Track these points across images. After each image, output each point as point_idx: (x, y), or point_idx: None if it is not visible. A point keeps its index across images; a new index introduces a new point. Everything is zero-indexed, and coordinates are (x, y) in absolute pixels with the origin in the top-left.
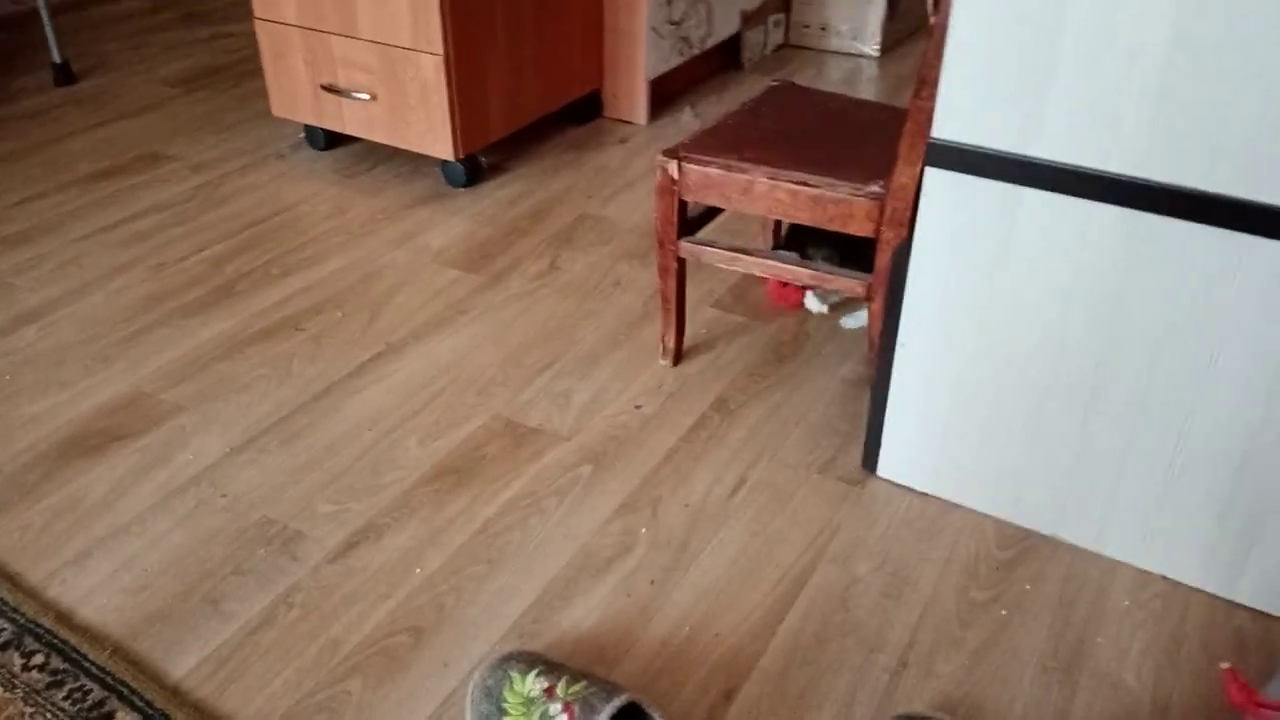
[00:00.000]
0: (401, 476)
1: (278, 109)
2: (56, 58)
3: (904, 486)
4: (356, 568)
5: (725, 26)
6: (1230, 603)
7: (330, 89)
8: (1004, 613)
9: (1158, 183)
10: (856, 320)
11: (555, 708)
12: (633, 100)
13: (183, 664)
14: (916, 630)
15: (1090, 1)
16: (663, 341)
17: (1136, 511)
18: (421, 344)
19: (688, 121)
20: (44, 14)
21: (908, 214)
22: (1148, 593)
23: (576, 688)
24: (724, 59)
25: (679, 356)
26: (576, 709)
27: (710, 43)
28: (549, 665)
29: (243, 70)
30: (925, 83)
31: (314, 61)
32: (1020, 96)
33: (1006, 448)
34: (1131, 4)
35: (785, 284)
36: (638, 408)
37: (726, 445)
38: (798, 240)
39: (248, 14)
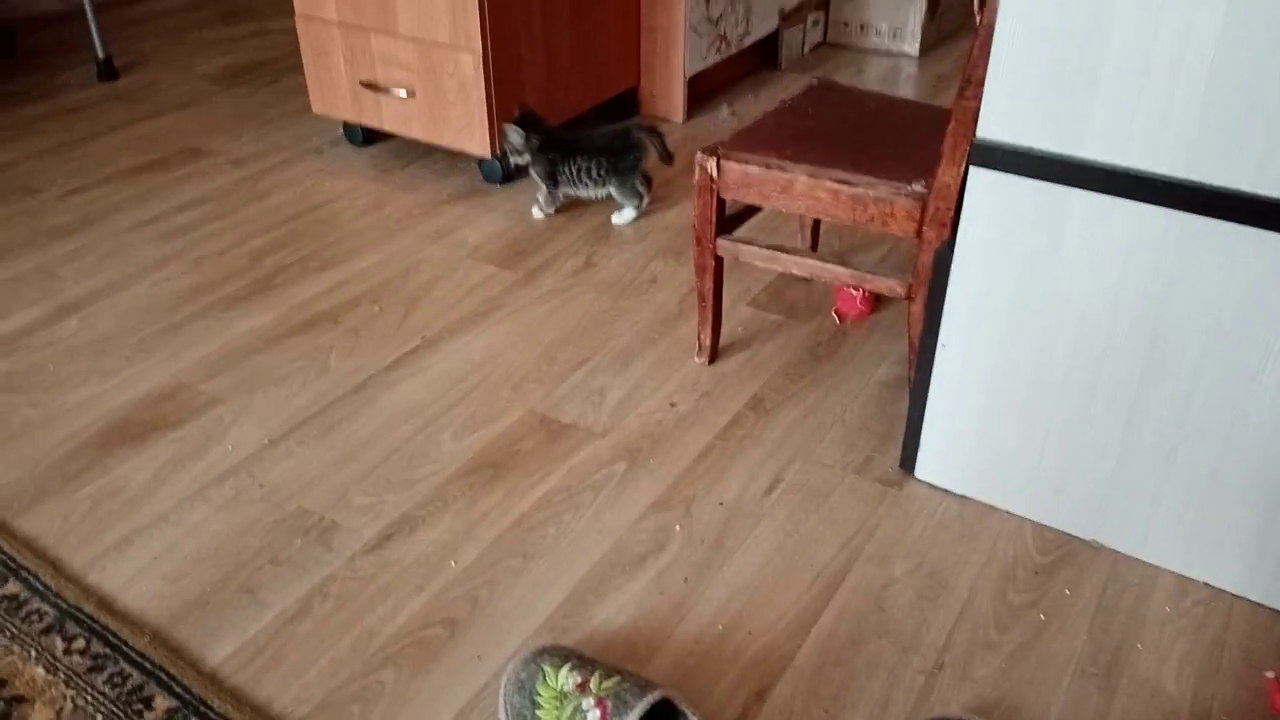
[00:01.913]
0: (436, 470)
1: (317, 105)
2: (100, 54)
3: (942, 488)
4: (391, 560)
5: (763, 25)
6: (1274, 611)
7: (369, 85)
8: (1042, 617)
9: (1207, 185)
10: (622, 218)
11: (588, 702)
12: (670, 98)
13: (219, 651)
14: (953, 633)
15: (1137, 3)
16: (698, 339)
17: (1179, 517)
18: (457, 339)
19: (725, 119)
20: (89, 10)
21: (950, 214)
22: (1189, 599)
23: (609, 683)
24: (762, 57)
25: (715, 355)
26: (609, 704)
27: (748, 41)
28: (582, 660)
29: (282, 67)
30: (970, 82)
31: (353, 58)
32: (1067, 96)
33: (1047, 451)
34: (1180, 4)
35: (851, 294)
36: (672, 405)
37: (762, 444)
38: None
39: (287, 11)
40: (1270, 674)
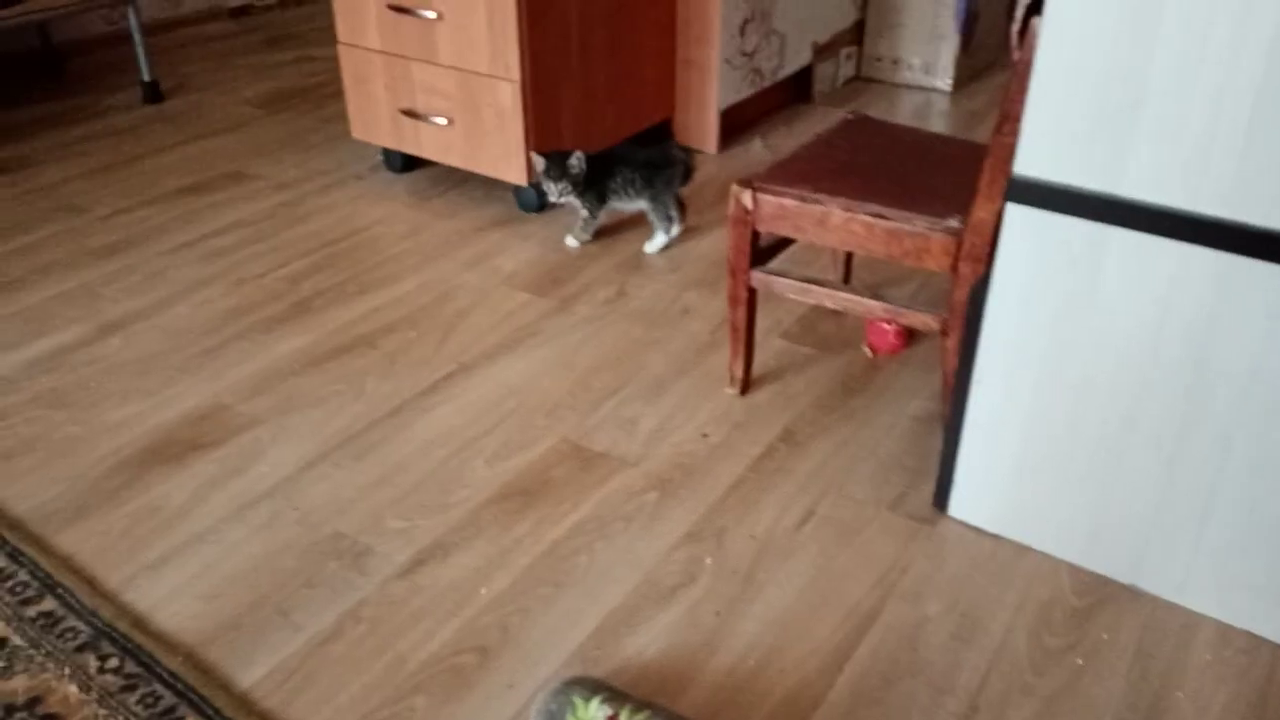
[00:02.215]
0: (470, 495)
1: (357, 131)
2: (146, 76)
3: (976, 527)
4: (424, 585)
5: (797, 58)
6: None
7: (409, 113)
8: (1079, 661)
9: (1248, 225)
10: (654, 245)
11: None
12: (704, 129)
13: (251, 673)
14: (987, 675)
15: (1179, 40)
16: (730, 370)
17: (1220, 563)
18: (492, 365)
19: (757, 151)
20: (136, 35)
21: (986, 250)
22: (1231, 648)
23: (640, 717)
24: (795, 90)
25: (747, 386)
26: None
27: (782, 74)
28: (612, 693)
29: (324, 93)
30: (1008, 118)
31: (394, 86)
32: (1106, 134)
33: (1084, 491)
34: (1221, 42)
35: (884, 328)
36: (705, 436)
37: (794, 477)
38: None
39: (330, 39)
40: None
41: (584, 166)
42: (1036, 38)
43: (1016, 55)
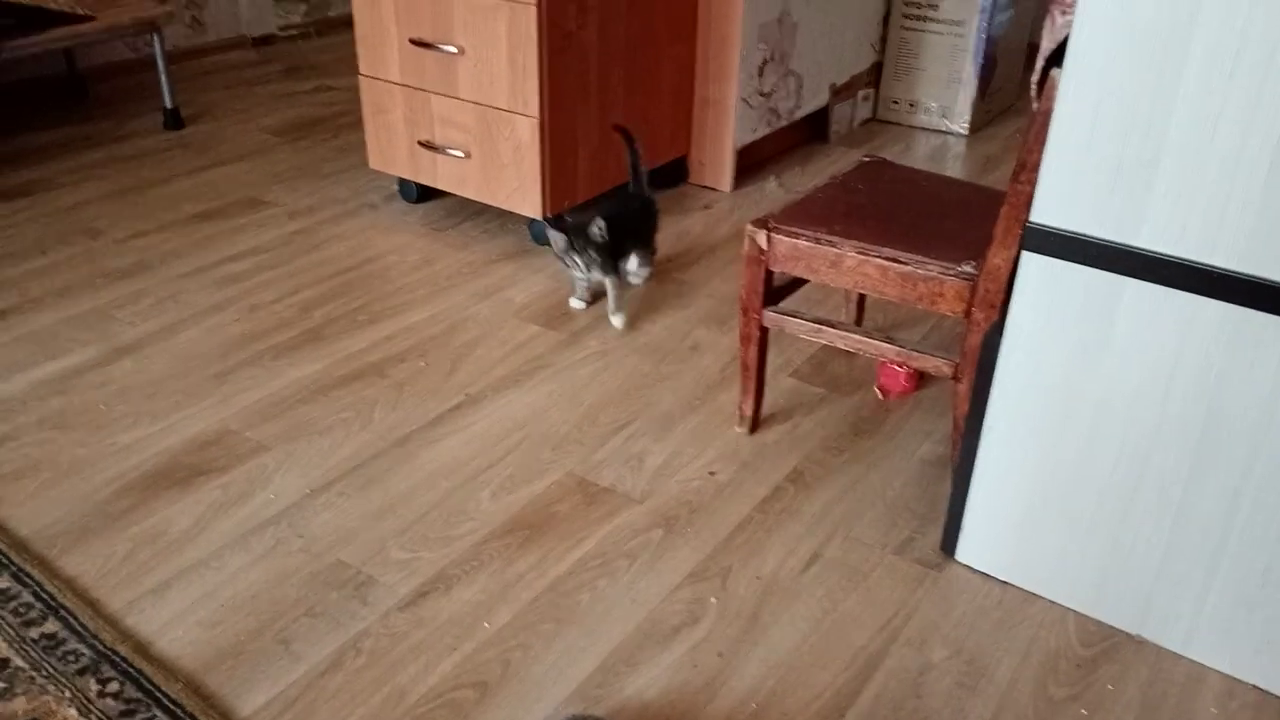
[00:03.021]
0: (474, 528)
1: (374, 161)
2: (168, 103)
3: (983, 573)
4: (426, 617)
5: (814, 99)
6: None
7: (427, 145)
8: (1084, 712)
9: (1263, 279)
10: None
11: None
12: (719, 168)
13: (251, 702)
14: None
15: (1198, 96)
16: (740, 408)
17: (1227, 616)
18: (500, 397)
19: (772, 191)
20: (160, 61)
21: (1000, 296)
22: (1236, 702)
23: None
24: (811, 131)
25: (756, 425)
26: None
27: (798, 114)
28: None
29: (342, 123)
30: (1025, 167)
31: (413, 118)
32: (1124, 185)
33: (1092, 540)
34: (1240, 99)
35: (895, 370)
36: (712, 474)
37: (801, 519)
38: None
39: (349, 69)
40: None
41: (606, 232)
42: (1056, 89)
43: (1036, 105)
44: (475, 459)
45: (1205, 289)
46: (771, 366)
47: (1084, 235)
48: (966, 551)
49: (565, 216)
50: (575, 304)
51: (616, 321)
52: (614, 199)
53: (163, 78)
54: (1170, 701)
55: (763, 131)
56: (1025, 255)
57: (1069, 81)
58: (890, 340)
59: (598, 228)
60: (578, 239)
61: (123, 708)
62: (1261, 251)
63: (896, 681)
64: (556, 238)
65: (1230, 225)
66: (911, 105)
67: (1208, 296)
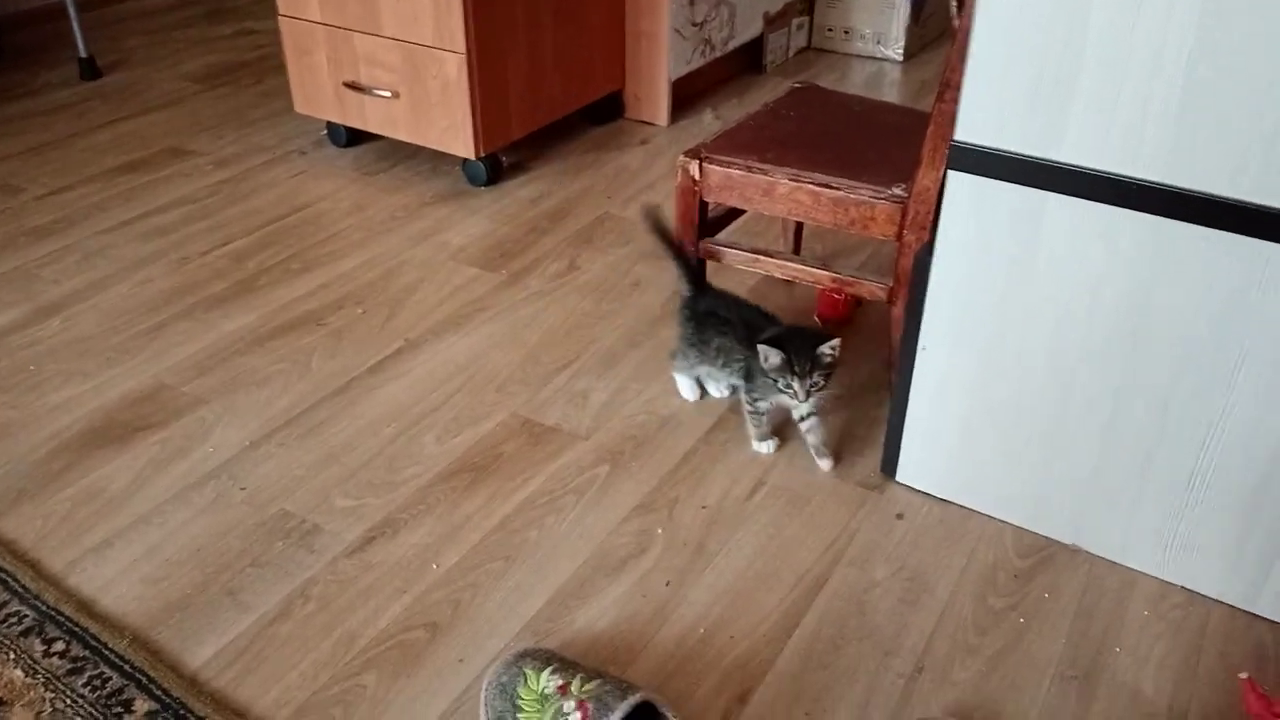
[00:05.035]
0: (419, 472)
1: (300, 105)
2: (82, 52)
3: (923, 492)
4: (373, 562)
5: (748, 29)
6: (1250, 615)
7: (353, 86)
8: (1022, 620)
9: (1182, 189)
10: (766, 446)
11: (569, 705)
12: (654, 101)
13: (200, 654)
14: (933, 636)
15: (1113, 5)
16: None
17: (1157, 522)
18: (440, 341)
19: (709, 123)
20: (71, 9)
21: (930, 218)
22: (1167, 603)
23: (591, 686)
24: (746, 61)
25: None
26: (590, 707)
27: (733, 45)
28: (563, 663)
29: (266, 67)
30: (948, 86)
31: (337, 59)
32: (1043, 100)
33: (1027, 456)
34: (1156, 9)
35: (834, 297)
36: (655, 409)
37: (744, 448)
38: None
39: (271, 11)
40: (1244, 675)
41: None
42: (974, 6)
43: (956, 23)
44: (418, 404)
45: (1127, 201)
46: None
47: (1007, 152)
48: (906, 472)
49: (745, 314)
50: (766, 448)
51: (766, 447)
52: (729, 301)
53: (75, 26)
54: (1104, 606)
55: (697, 63)
56: (952, 175)
57: None
58: (826, 267)
59: (831, 348)
60: (800, 358)
61: (69, 666)
62: (1179, 162)
63: (841, 601)
64: (770, 354)
65: (1149, 137)
66: (846, 33)
67: (1130, 208)
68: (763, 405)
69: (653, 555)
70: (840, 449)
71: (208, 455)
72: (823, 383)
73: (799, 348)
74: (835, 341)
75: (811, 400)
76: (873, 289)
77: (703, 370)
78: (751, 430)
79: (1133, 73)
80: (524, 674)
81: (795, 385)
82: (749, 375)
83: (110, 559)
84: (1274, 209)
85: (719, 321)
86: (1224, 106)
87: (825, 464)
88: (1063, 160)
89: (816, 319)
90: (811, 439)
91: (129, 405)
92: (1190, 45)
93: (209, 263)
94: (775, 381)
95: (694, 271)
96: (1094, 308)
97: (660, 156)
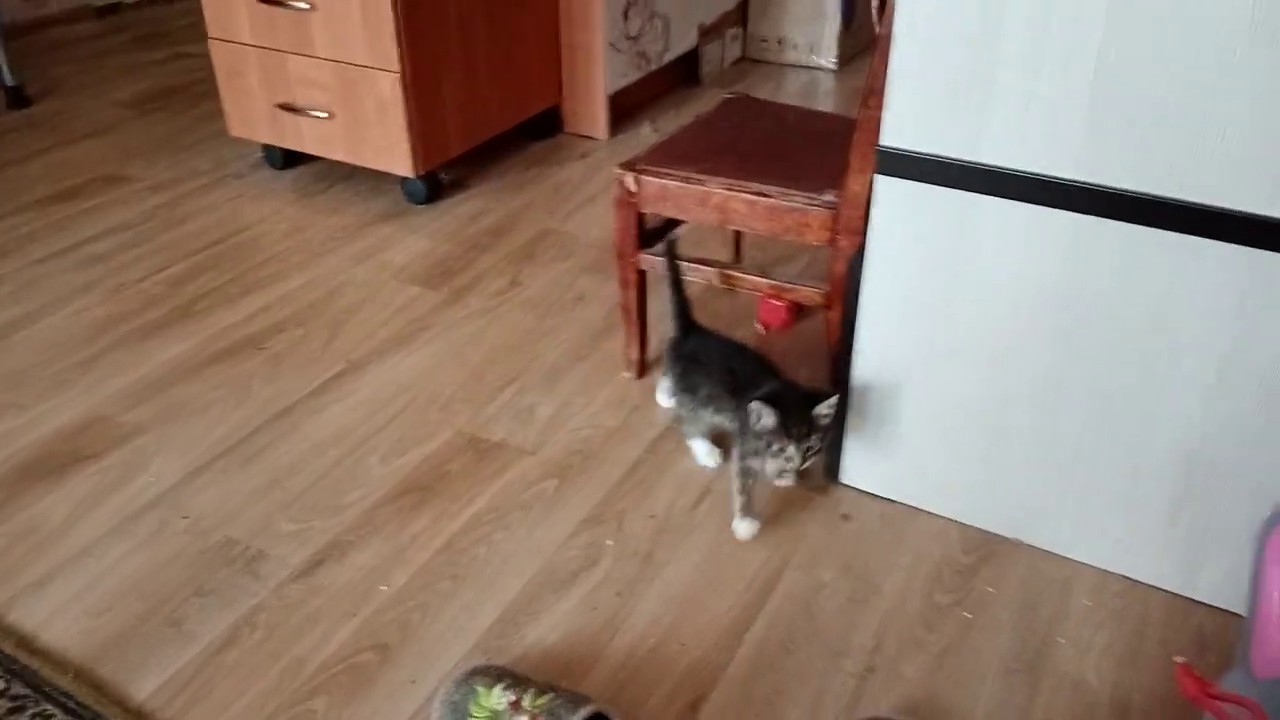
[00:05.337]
0: (365, 494)
1: (235, 128)
2: (9, 80)
3: (868, 493)
4: (321, 586)
5: (682, 41)
6: (1189, 600)
7: (287, 108)
8: (968, 615)
9: (1099, 186)
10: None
11: None
12: (592, 115)
13: (146, 686)
14: (881, 634)
15: (1026, 9)
16: (626, 355)
17: (1097, 514)
18: (383, 362)
19: (647, 136)
20: None
21: (861, 222)
22: (1108, 593)
23: (543, 700)
24: (683, 73)
25: (643, 369)
26: None
27: (668, 57)
28: (515, 679)
29: (199, 91)
30: (873, 92)
31: (269, 81)
32: (963, 103)
33: (968, 453)
34: (1065, 12)
35: (775, 305)
36: (601, 422)
37: (690, 457)
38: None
39: (203, 35)
40: (1180, 659)
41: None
42: (893, 12)
43: (879, 29)
44: (361, 425)
45: (1048, 199)
46: (656, 311)
47: (932, 155)
48: (850, 473)
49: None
50: (745, 530)
51: (746, 528)
52: (718, 344)
53: (1, 53)
54: (1047, 597)
55: (634, 76)
56: (880, 179)
57: (903, 4)
58: (764, 274)
59: (829, 406)
60: (796, 421)
61: (10, 704)
62: (1094, 159)
63: (790, 604)
64: (763, 413)
65: (1064, 136)
66: (780, 42)
67: (1052, 207)
68: (755, 464)
69: (603, 567)
70: None
71: (148, 485)
72: (819, 446)
73: (794, 407)
74: (833, 400)
75: (790, 469)
76: (809, 294)
77: (702, 421)
78: (735, 499)
79: (1046, 74)
80: (475, 691)
81: (791, 449)
82: (742, 427)
83: (50, 594)
84: (1188, 203)
85: (706, 366)
86: (1132, 105)
87: (744, 528)
88: (985, 162)
89: (759, 326)
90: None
91: (66, 437)
92: (1098, 47)
93: (145, 290)
94: (768, 445)
95: (684, 311)
96: (1025, 305)
97: (600, 170)
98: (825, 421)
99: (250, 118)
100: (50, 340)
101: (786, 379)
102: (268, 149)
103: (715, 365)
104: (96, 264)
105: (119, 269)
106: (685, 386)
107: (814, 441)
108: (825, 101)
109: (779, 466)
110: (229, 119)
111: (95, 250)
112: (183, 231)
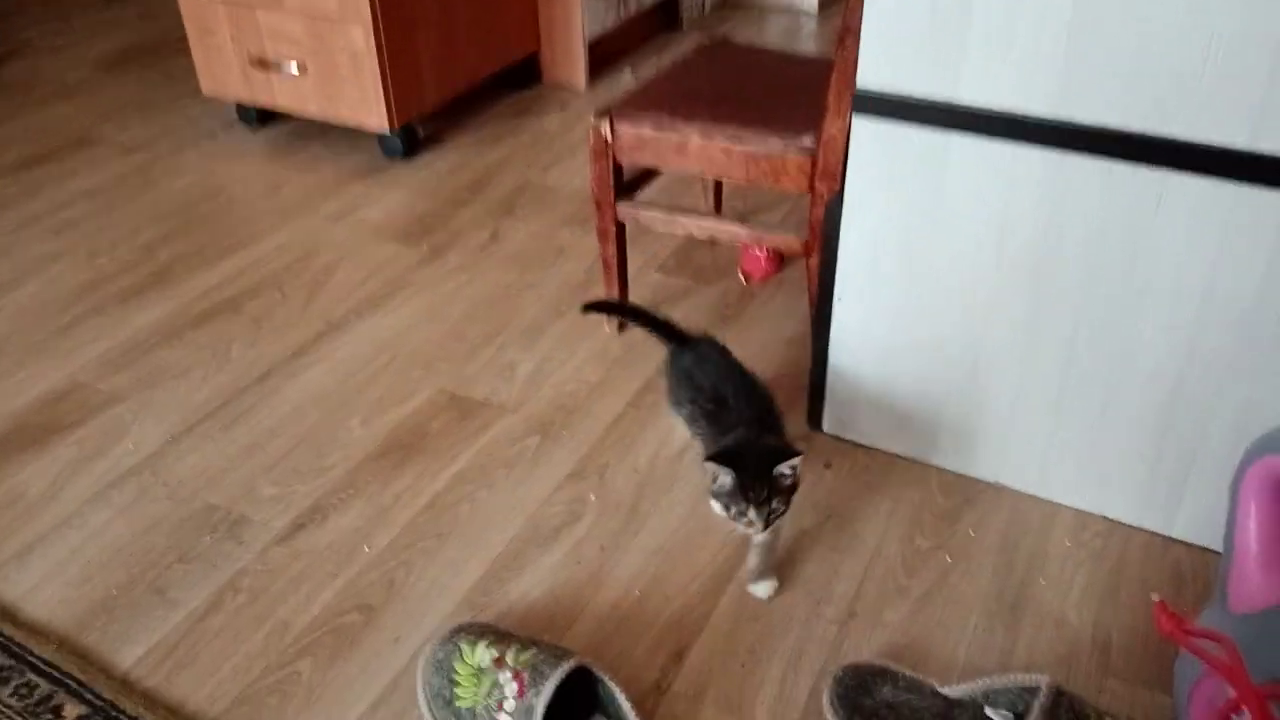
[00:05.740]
0: (346, 456)
1: (207, 87)
2: None
3: (849, 441)
4: (304, 549)
5: None
6: (1167, 538)
7: (259, 64)
8: (949, 559)
9: (1076, 123)
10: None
11: (505, 676)
12: (571, 64)
13: (130, 654)
14: (863, 581)
15: None
16: None
17: (1074, 454)
18: (363, 321)
19: (628, 83)
20: None
21: (839, 166)
22: (1088, 532)
23: (526, 655)
24: (663, 18)
25: (624, 322)
26: (526, 676)
27: (648, 2)
28: (499, 635)
29: (171, 49)
30: (849, 32)
31: (240, 36)
32: (940, 41)
33: (947, 397)
34: None
35: (756, 255)
36: (583, 376)
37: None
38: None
39: None
40: (1157, 597)
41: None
42: None
43: None
44: (342, 386)
45: (1024, 137)
46: (636, 264)
47: (908, 95)
48: (831, 422)
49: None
50: (763, 590)
51: (764, 588)
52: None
53: None
54: (1027, 539)
55: (613, 22)
56: (856, 121)
57: None
58: (742, 223)
59: (790, 467)
60: (755, 483)
61: None
62: (1071, 96)
63: None
64: (719, 474)
65: (1040, 73)
66: None
67: (1028, 144)
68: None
69: (586, 522)
70: None
71: (128, 452)
72: (783, 509)
73: (753, 467)
74: (796, 460)
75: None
76: (789, 241)
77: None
78: (748, 559)
79: (1023, 9)
80: (459, 648)
81: (751, 514)
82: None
83: (32, 565)
84: (1164, 137)
85: (697, 386)
86: (1111, 39)
87: (761, 588)
88: (962, 100)
89: (741, 276)
90: (753, 560)
91: (43, 407)
92: None
93: (120, 255)
94: (727, 508)
95: (667, 331)
96: (1002, 244)
97: (580, 120)
98: (788, 482)
99: (223, 76)
100: (25, 309)
101: (775, 416)
102: (241, 107)
103: (706, 389)
104: (70, 230)
105: (93, 234)
106: (675, 400)
107: (776, 505)
108: (807, 44)
109: (741, 528)
110: (201, 77)
111: (68, 216)
112: (157, 194)
